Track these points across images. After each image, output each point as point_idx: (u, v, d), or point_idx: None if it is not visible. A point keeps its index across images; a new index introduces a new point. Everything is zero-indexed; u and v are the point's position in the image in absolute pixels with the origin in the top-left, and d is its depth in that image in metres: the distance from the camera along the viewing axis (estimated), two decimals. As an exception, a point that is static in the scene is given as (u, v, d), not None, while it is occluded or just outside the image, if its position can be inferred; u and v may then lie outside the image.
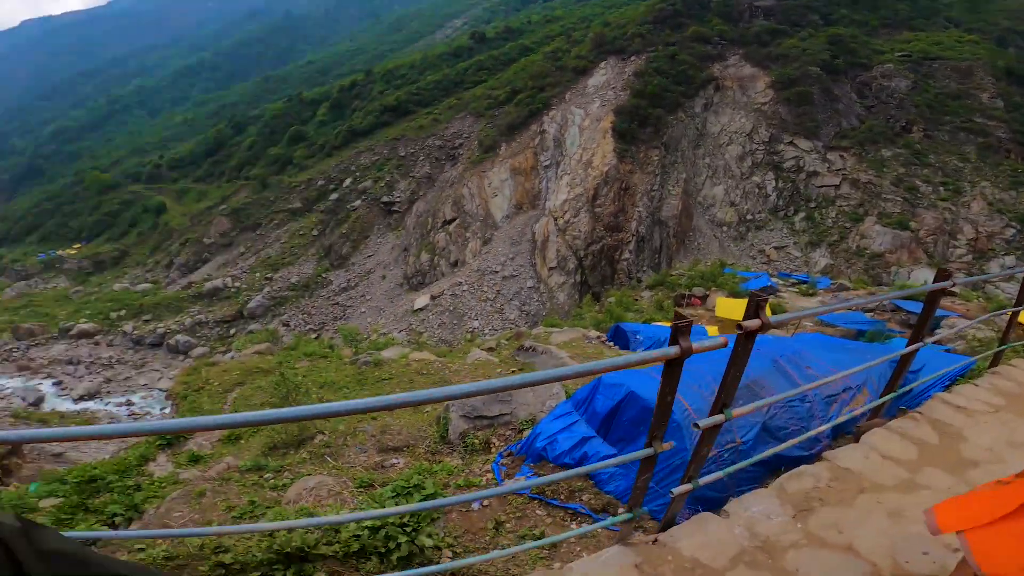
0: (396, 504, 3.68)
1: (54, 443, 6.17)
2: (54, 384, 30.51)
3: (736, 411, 2.25)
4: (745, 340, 2.11)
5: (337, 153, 56.10)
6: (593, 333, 16.34)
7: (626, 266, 38.21)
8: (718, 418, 2.19)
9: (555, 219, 39.10)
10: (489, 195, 42.48)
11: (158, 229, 61.01)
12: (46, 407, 26.43)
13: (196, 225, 56.93)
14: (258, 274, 44.56)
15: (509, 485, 4.34)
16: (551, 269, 37.53)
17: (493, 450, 5.51)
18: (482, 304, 35.90)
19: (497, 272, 38.20)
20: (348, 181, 51.19)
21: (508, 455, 5.20)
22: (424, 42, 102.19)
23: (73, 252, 61.30)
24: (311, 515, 3.77)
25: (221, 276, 45.48)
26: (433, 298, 36.55)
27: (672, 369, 2.01)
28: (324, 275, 43.19)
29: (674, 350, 1.90)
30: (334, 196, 50.29)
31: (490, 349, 14.70)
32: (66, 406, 26.98)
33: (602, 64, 49.05)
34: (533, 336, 17.04)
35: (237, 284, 43.71)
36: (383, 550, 3.16)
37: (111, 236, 63.85)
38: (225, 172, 65.62)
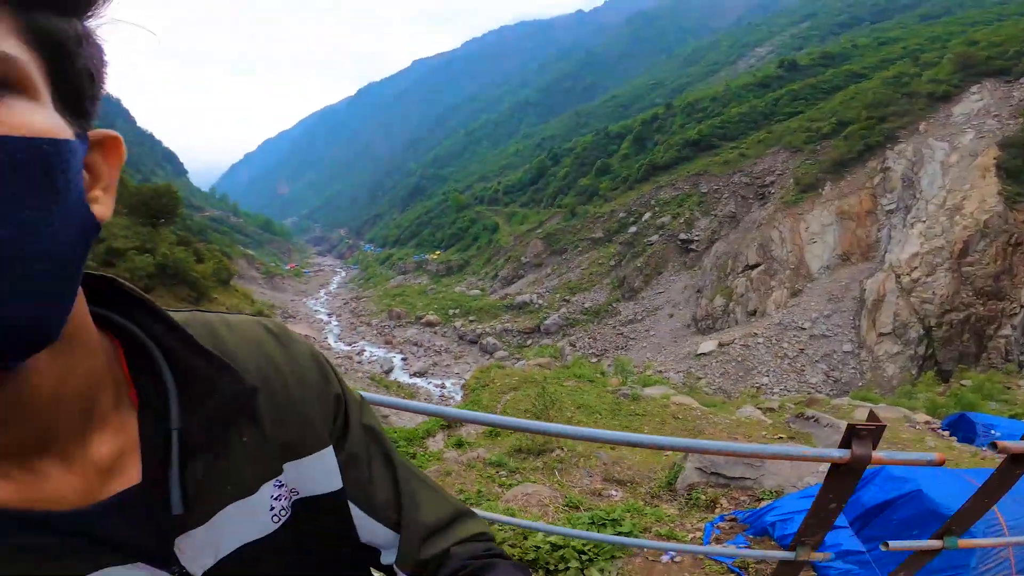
0: (589, 531, 3.70)
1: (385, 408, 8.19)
2: (402, 359, 39.76)
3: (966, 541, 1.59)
4: (1010, 465, 1.47)
5: (638, 187, 57.72)
6: (921, 417, 12.94)
7: (1002, 345, 28.57)
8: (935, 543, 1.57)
9: (898, 276, 31.99)
10: (805, 241, 37.52)
11: (491, 245, 73.41)
12: (392, 376, 34.63)
13: (518, 245, 66.26)
14: (558, 295, 49.18)
15: (710, 547, 3.85)
16: (882, 335, 30.80)
17: (717, 510, 4.95)
18: (777, 360, 31.82)
19: (804, 329, 33.35)
20: (647, 215, 52.14)
21: (730, 519, 4.62)
22: (724, 73, 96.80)
23: (434, 257, 78.78)
24: (512, 515, 4.09)
25: (529, 292, 51.81)
26: (721, 345, 34.15)
27: (841, 476, 1.54)
28: (614, 304, 44.93)
29: (841, 454, 1.46)
30: (632, 229, 51.85)
31: (769, 409, 13.10)
32: (403, 378, 34.81)
33: (974, 88, 38.27)
34: (831, 406, 14.52)
35: (540, 301, 49.04)
36: (552, 568, 3.23)
37: (460, 248, 79.74)
38: (543, 199, 74.73)
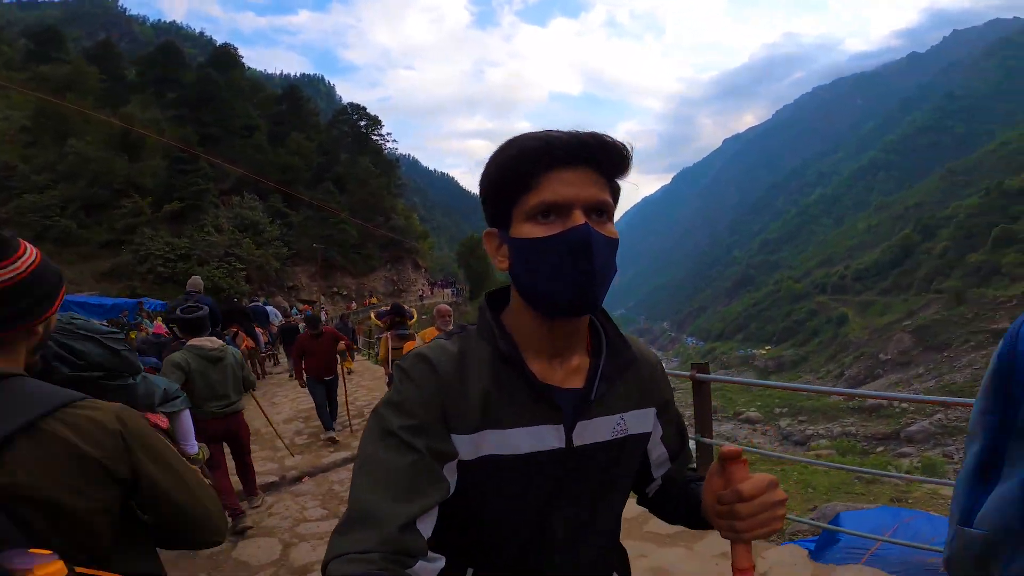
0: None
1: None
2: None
3: None
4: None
5: (1068, 257, 42.11)
6: None
7: None
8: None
9: None
10: None
11: (837, 340, 63.65)
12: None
13: (874, 339, 55.93)
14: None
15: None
16: None
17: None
18: None
19: None
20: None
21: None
22: None
23: (763, 352, 72.57)
24: None
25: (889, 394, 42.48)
26: None
27: None
28: None
29: None
30: (1065, 315, 37.58)
31: None
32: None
33: None
34: None
35: (904, 405, 39.80)
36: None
37: (795, 342, 71.54)
38: (913, 283, 61.34)
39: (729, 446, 0.75)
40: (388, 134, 55.65)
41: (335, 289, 42.13)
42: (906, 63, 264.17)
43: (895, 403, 40.51)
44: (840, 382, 52.04)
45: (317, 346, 6.83)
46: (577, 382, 0.87)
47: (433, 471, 0.78)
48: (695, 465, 1.05)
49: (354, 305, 35.64)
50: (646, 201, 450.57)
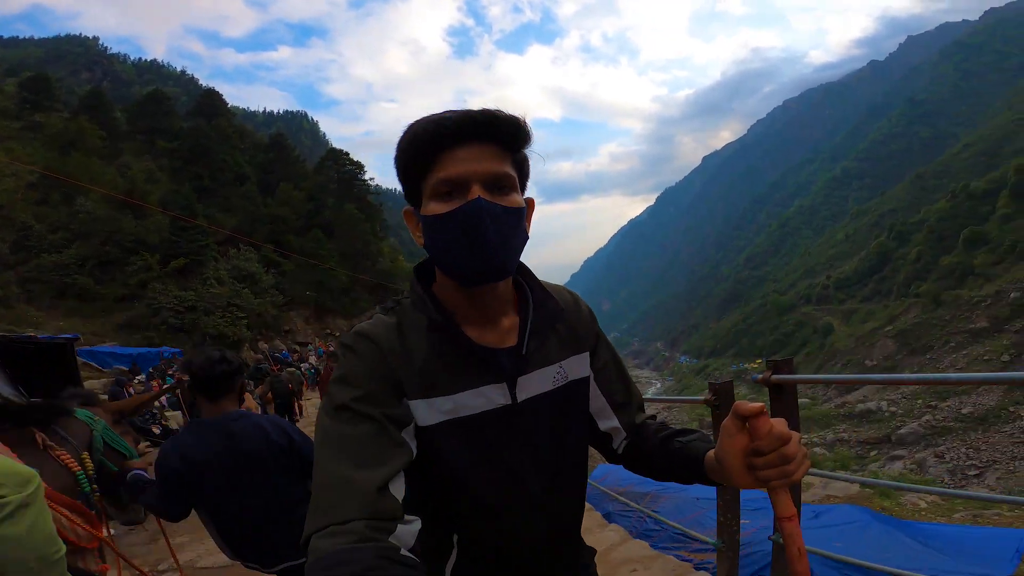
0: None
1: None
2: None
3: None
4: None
5: (1034, 253, 44.55)
6: None
7: None
8: None
9: None
10: None
11: (824, 350, 65.55)
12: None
13: (860, 347, 57.77)
14: (919, 401, 40.58)
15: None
16: None
17: None
18: None
19: None
20: (1058, 290, 39.51)
21: None
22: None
23: (755, 366, 74.06)
24: None
25: (876, 399, 44.15)
26: None
27: None
28: (1012, 408, 34.50)
29: None
30: (1035, 310, 39.91)
31: None
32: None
33: None
34: None
35: (893, 409, 41.38)
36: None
37: (785, 354, 71.88)
38: (892, 289, 63.70)
39: (747, 403, 0.78)
40: (371, 179, 57.79)
41: (328, 331, 43.64)
42: (868, 71, 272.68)
43: (884, 408, 41.96)
44: (829, 390, 53.39)
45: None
46: (511, 340, 0.95)
47: (392, 436, 0.82)
48: (657, 415, 1.16)
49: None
50: (633, 223, 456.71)
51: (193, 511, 2.17)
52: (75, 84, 74.87)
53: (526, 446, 0.94)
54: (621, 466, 1.12)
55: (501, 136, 0.85)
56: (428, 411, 0.87)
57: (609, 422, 1.08)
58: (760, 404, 0.76)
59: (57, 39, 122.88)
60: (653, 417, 1.14)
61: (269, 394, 10.74)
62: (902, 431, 37.36)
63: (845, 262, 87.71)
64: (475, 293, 0.90)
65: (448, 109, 0.87)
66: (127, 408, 2.49)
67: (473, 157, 0.84)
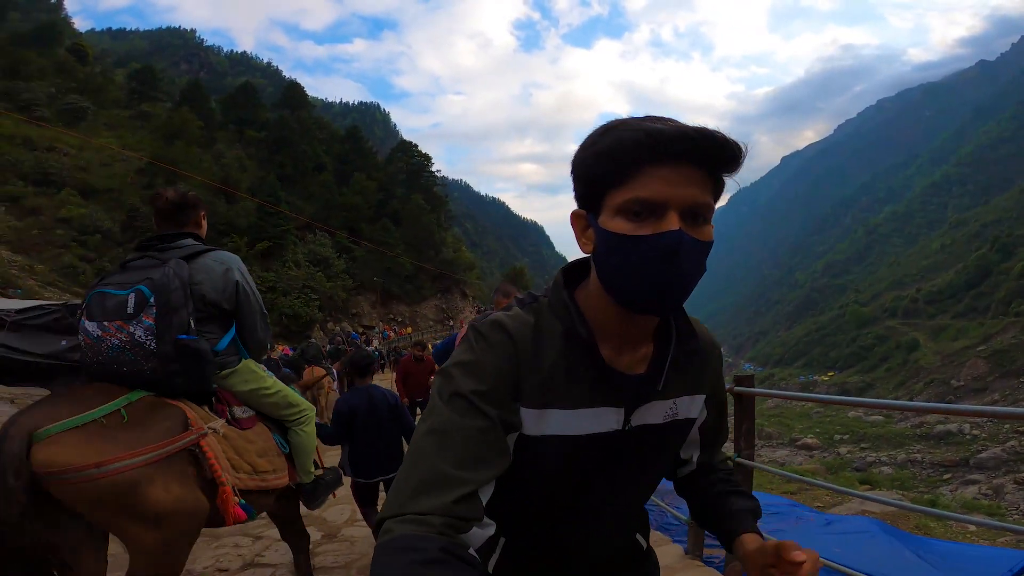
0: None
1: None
2: (770, 480, 37.00)
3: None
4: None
5: None
6: None
7: None
8: None
9: None
10: None
11: (907, 366, 61.73)
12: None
13: (947, 365, 54.17)
14: (1007, 425, 37.65)
15: None
16: None
17: None
18: None
19: None
20: None
21: None
22: None
23: (826, 379, 70.84)
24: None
25: (959, 421, 41.37)
26: None
27: None
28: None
29: None
30: None
31: None
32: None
33: None
34: None
35: (976, 432, 38.70)
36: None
37: (861, 368, 69.51)
38: (990, 307, 58.92)
39: (798, 552, 0.74)
40: (438, 171, 59.68)
41: (391, 315, 45.63)
42: (976, 71, 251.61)
43: (966, 431, 39.33)
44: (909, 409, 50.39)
45: (417, 369, 7.73)
46: (641, 368, 0.90)
47: (500, 440, 0.78)
48: (730, 458, 1.21)
49: (410, 329, 38.88)
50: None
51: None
52: (175, 75, 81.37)
53: (618, 471, 0.93)
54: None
55: (713, 161, 0.75)
56: (537, 421, 0.84)
57: (689, 452, 1.10)
58: (808, 554, 0.75)
59: (159, 31, 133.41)
60: (726, 460, 1.21)
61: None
62: (983, 455, 34.96)
63: (939, 274, 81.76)
64: (633, 318, 0.85)
65: (649, 116, 0.78)
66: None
67: (678, 180, 0.74)
